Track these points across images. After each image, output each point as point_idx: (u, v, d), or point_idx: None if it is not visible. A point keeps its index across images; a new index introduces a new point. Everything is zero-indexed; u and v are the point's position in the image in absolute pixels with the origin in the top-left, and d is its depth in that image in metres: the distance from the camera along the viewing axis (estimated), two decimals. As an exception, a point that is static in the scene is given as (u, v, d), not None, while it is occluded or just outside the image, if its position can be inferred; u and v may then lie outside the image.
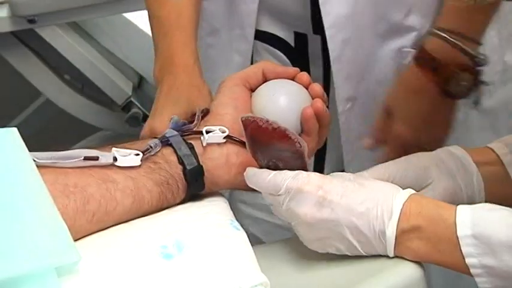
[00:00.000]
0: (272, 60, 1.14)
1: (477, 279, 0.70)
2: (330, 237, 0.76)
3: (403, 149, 1.00)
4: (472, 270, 0.70)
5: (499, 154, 0.89)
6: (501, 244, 0.68)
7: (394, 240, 0.74)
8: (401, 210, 0.74)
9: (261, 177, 0.78)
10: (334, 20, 1.08)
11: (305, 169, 0.78)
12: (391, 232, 0.74)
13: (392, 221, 0.74)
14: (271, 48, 1.17)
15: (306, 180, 0.76)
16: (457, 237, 0.70)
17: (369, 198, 0.74)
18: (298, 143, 0.76)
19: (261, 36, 1.16)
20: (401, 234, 0.74)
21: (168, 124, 0.86)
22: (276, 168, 0.78)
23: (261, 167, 0.79)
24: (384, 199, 0.74)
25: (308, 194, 0.75)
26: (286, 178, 0.76)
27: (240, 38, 1.15)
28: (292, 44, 1.16)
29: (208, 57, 1.18)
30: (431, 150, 0.90)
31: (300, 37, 1.15)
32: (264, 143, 0.77)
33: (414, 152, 0.89)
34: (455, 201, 0.85)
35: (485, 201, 0.86)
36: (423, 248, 0.74)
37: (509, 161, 0.88)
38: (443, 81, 1.05)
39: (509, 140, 0.91)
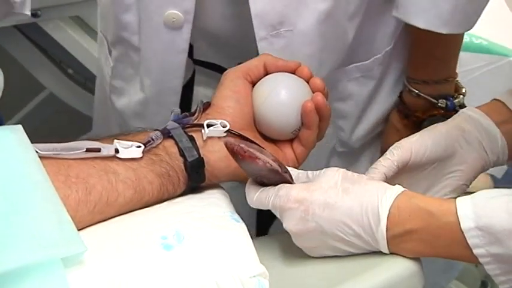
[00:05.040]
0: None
1: (486, 267, 0.71)
2: (321, 246, 0.77)
3: None
4: (480, 260, 0.71)
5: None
6: (505, 231, 0.69)
7: (386, 244, 0.75)
8: (388, 215, 0.74)
9: (249, 196, 0.80)
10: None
11: (288, 181, 0.78)
12: (381, 237, 0.74)
13: (381, 227, 0.74)
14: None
15: (286, 198, 0.76)
16: (462, 230, 0.71)
17: (353, 207, 0.74)
18: (268, 163, 0.76)
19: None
20: (392, 238, 0.74)
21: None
22: (262, 182, 0.79)
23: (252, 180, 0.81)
24: (369, 205, 0.74)
25: (290, 211, 0.76)
26: (269, 196, 0.77)
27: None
28: None
29: None
30: None
31: None
32: (242, 164, 0.78)
33: None
34: (484, 168, 0.89)
35: (509, 159, 0.90)
36: (418, 247, 0.75)
37: None
38: (415, 126, 1.08)
39: None
